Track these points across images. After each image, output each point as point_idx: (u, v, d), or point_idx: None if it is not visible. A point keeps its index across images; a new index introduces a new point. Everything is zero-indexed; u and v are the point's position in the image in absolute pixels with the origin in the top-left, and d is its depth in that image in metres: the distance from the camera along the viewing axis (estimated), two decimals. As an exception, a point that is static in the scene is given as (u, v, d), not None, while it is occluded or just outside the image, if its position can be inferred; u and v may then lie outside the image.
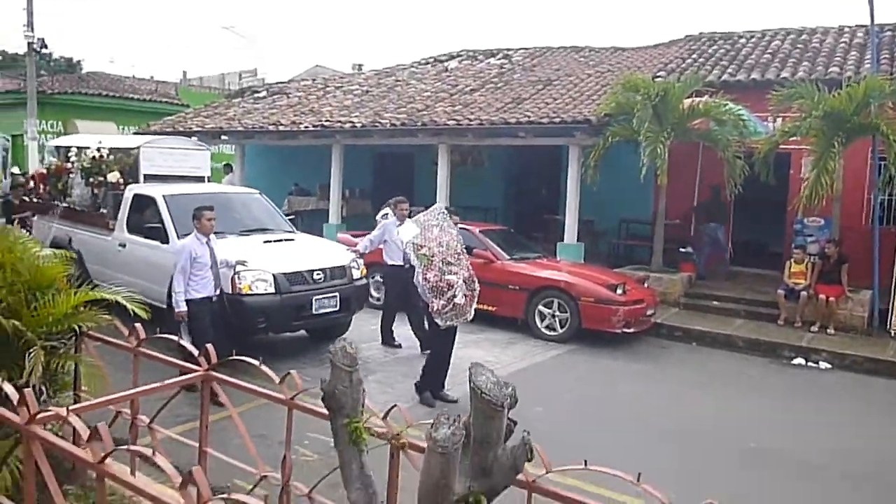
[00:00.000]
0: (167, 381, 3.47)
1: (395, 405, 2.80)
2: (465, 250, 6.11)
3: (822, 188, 8.83)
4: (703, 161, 11.62)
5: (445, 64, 17.61)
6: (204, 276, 5.99)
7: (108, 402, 3.29)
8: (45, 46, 26.63)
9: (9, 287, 3.66)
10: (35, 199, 10.20)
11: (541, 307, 8.74)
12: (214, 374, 3.42)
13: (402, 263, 7.72)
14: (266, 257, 7.03)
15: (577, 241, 11.24)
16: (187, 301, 5.94)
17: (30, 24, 17.60)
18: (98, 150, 8.54)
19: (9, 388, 2.78)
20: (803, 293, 9.25)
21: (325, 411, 2.59)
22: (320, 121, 13.45)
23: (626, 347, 8.53)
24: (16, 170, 15.91)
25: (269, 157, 16.30)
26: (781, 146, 10.16)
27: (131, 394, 3.44)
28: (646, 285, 9.63)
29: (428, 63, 18.11)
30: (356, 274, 7.67)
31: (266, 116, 14.73)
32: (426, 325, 6.98)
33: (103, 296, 3.88)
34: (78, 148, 8.89)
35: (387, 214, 8.36)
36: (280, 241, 7.78)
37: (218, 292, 6.21)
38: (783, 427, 6.13)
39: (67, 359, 3.81)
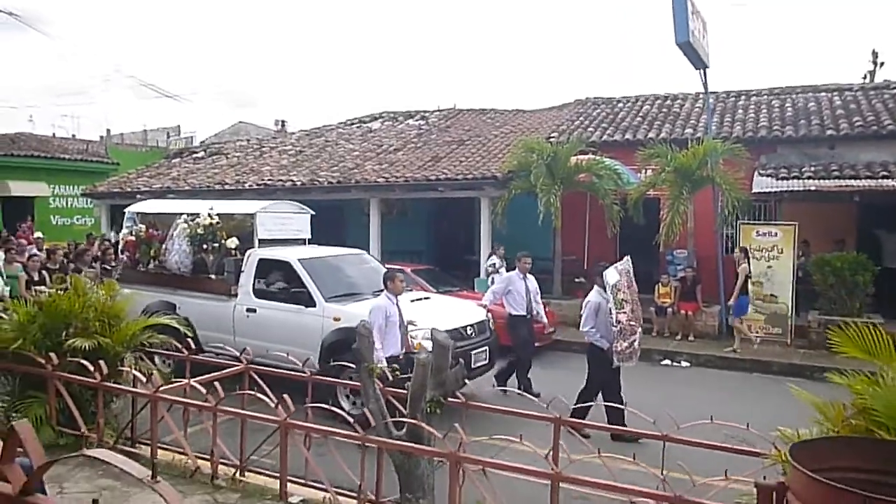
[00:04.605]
0: (217, 374, 5.12)
1: (454, 425, 3.83)
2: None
3: (675, 227, 11.39)
4: (591, 207, 14.14)
5: (369, 125, 19.69)
6: (394, 335, 6.19)
7: (183, 385, 4.83)
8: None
9: (97, 317, 5.20)
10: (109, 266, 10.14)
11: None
12: (253, 366, 5.10)
13: (524, 313, 8.34)
14: (423, 316, 7.03)
15: (492, 276, 13.32)
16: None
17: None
18: (209, 216, 8.55)
19: (137, 374, 4.38)
20: (669, 310, 11.72)
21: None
22: (262, 180, 15.10)
23: (534, 358, 10.53)
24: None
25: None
26: (653, 193, 12.75)
27: (187, 383, 5.01)
28: (547, 309, 11.76)
29: (353, 124, 20.14)
30: (492, 328, 8.03)
31: (210, 176, 16.20)
32: (588, 369, 6.96)
33: (161, 321, 5.48)
34: (188, 214, 8.77)
35: (494, 264, 9.02)
36: (420, 299, 7.99)
37: (404, 351, 6.30)
38: (655, 404, 8.20)
39: (139, 365, 5.36)
